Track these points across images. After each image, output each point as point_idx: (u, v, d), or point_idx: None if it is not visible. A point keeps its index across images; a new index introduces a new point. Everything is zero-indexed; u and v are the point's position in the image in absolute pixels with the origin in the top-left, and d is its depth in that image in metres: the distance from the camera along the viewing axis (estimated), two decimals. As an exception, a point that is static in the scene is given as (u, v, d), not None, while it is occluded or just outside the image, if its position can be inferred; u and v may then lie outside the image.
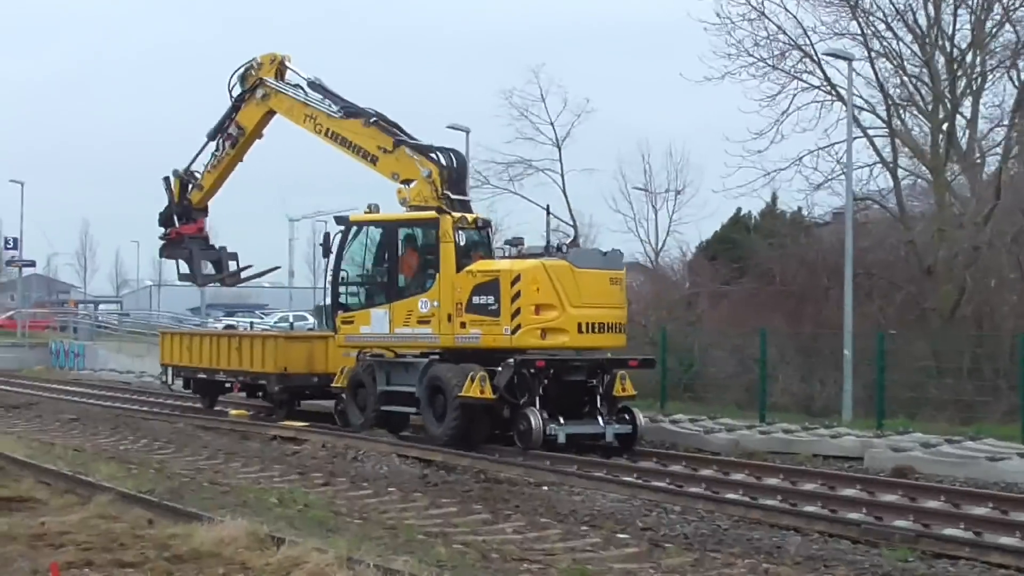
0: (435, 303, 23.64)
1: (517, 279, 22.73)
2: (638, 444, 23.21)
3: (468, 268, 23.37)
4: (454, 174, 24.95)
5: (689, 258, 49.18)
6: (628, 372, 23.77)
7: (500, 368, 22.63)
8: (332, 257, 25.24)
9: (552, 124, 51.59)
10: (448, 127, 41.30)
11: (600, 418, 23.08)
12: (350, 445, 22.71)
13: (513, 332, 22.74)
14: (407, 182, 24.93)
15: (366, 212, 25.50)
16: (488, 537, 13.97)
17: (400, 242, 24.75)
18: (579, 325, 23.04)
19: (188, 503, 15.18)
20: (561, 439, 22.29)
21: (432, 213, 23.98)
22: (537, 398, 22.51)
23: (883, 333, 27.82)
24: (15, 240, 74.00)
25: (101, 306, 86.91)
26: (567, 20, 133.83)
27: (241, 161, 29.41)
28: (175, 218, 29.64)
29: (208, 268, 30.33)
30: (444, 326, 23.50)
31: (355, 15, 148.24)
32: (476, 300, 23.04)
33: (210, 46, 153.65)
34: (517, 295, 22.70)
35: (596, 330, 23.24)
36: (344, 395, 25.70)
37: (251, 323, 57.97)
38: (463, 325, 23.22)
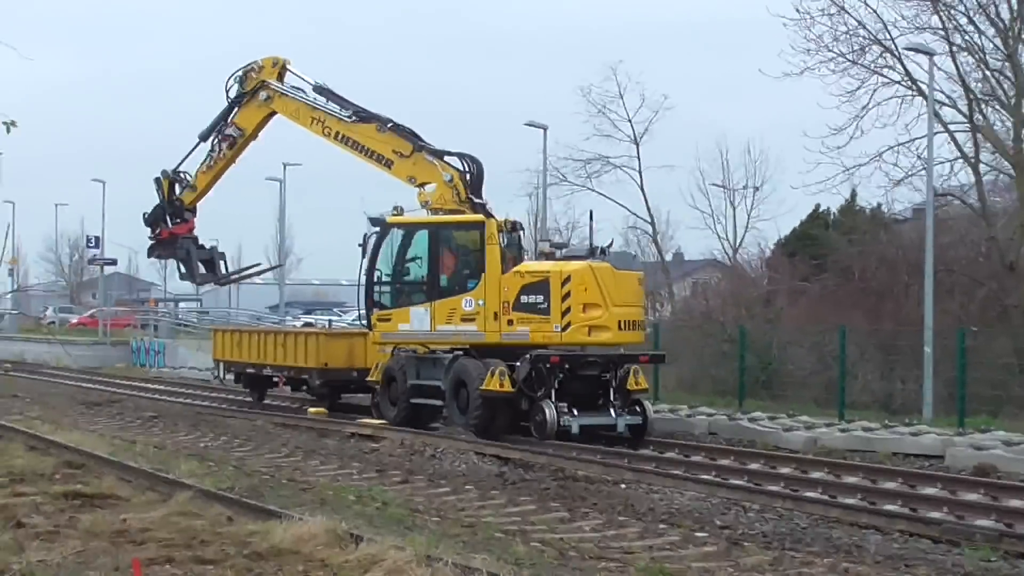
0: (480, 302, 24.90)
1: (568, 279, 24.14)
2: (648, 435, 24.35)
3: (516, 269, 24.75)
4: (474, 179, 26.17)
5: (767, 255, 48.92)
6: (643, 367, 25.36)
7: (519, 363, 24.01)
8: (367, 257, 26.35)
9: (630, 121, 51.80)
10: (526, 124, 41.53)
11: (612, 410, 24.36)
12: (428, 443, 22.81)
13: (564, 329, 24.16)
14: (424, 185, 26.20)
15: (394, 213, 26.46)
16: (566, 535, 13.96)
17: (443, 243, 25.88)
18: (619, 323, 24.45)
19: (267, 500, 15.29)
20: (575, 430, 23.64)
21: (480, 216, 25.31)
22: (553, 391, 23.96)
23: (964, 330, 27.48)
24: (97, 239, 74.68)
25: (181, 304, 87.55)
26: (645, 16, 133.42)
27: (235, 163, 29.80)
28: (168, 218, 29.95)
29: (200, 268, 30.89)
30: (490, 323, 24.79)
31: (431, 14, 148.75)
32: (525, 299, 24.42)
33: (288, 47, 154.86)
34: (567, 295, 24.10)
35: (630, 327, 24.75)
36: (378, 389, 27.12)
37: (330, 321, 58.24)
38: (510, 323, 24.57)
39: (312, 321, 51.74)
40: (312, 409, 29.36)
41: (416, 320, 25.81)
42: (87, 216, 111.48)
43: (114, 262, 77.55)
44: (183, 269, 30.74)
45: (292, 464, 20.51)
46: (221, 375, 35.05)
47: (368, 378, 27.74)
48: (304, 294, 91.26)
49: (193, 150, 29.61)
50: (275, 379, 32.36)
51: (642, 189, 52.74)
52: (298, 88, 28.49)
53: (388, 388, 26.77)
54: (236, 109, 28.99)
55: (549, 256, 25.44)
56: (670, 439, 24.63)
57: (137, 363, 53.52)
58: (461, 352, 25.35)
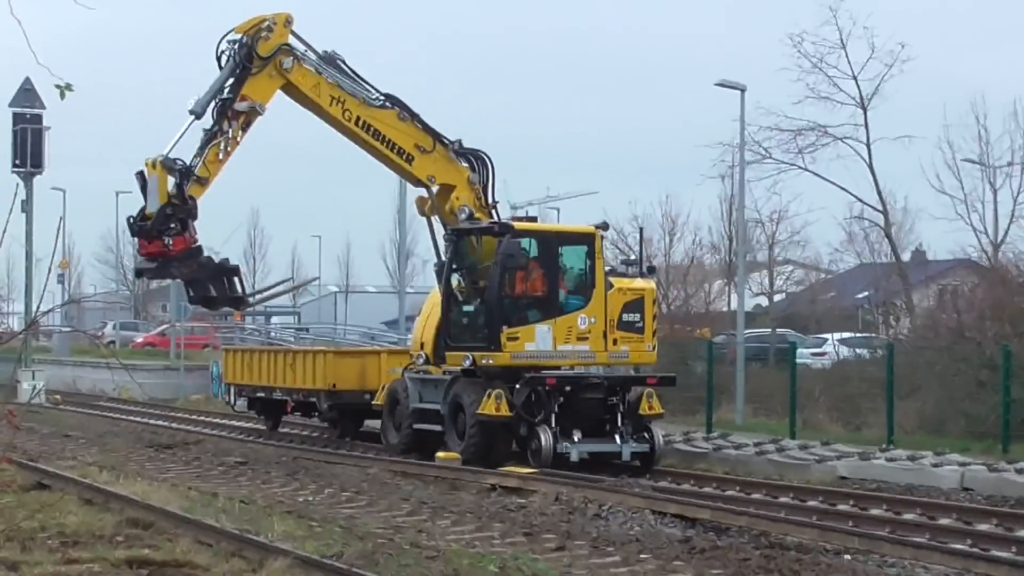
0: (592, 319, 29.64)
1: (656, 299, 30.84)
2: (657, 464, 28.95)
3: (617, 286, 29.94)
4: (485, 180, 30.72)
5: (1041, 253, 48.09)
6: (656, 390, 30.03)
7: (518, 386, 28.53)
8: (499, 267, 29.31)
9: (855, 78, 51.33)
10: (717, 84, 41.16)
11: (618, 436, 28.97)
12: (591, 498, 22.82)
13: (654, 348, 30.45)
14: (439, 186, 30.18)
15: (465, 221, 30.00)
16: (772, 621, 13.87)
17: (561, 256, 30.13)
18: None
19: (385, 571, 15.41)
20: (574, 457, 28.23)
21: (590, 228, 30.35)
22: (553, 416, 28.51)
23: None
24: (168, 235, 75.56)
25: (274, 318, 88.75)
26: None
27: None
28: (184, 223, 28.57)
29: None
30: (599, 343, 29.72)
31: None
32: (626, 318, 29.86)
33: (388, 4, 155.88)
34: (655, 315, 30.60)
35: None
36: (383, 413, 32.04)
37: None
38: (615, 342, 29.85)
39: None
40: (441, 454, 29.59)
41: (540, 339, 29.45)
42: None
43: (190, 265, 78.62)
44: (210, 291, 29.67)
45: (415, 524, 20.65)
46: (232, 401, 40.76)
47: (374, 401, 32.66)
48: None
49: (187, 130, 29.02)
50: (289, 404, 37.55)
51: (871, 168, 52.27)
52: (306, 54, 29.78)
53: (392, 412, 31.58)
54: (247, 79, 29.01)
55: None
56: (909, 496, 24.35)
57: (218, 394, 54.26)
58: (459, 373, 29.71)
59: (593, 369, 30.11)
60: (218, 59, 29.24)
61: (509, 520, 21.08)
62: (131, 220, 29.13)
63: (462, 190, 30.15)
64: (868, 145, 51.76)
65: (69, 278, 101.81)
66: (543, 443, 28.05)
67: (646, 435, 29.11)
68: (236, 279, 30.04)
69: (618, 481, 25.11)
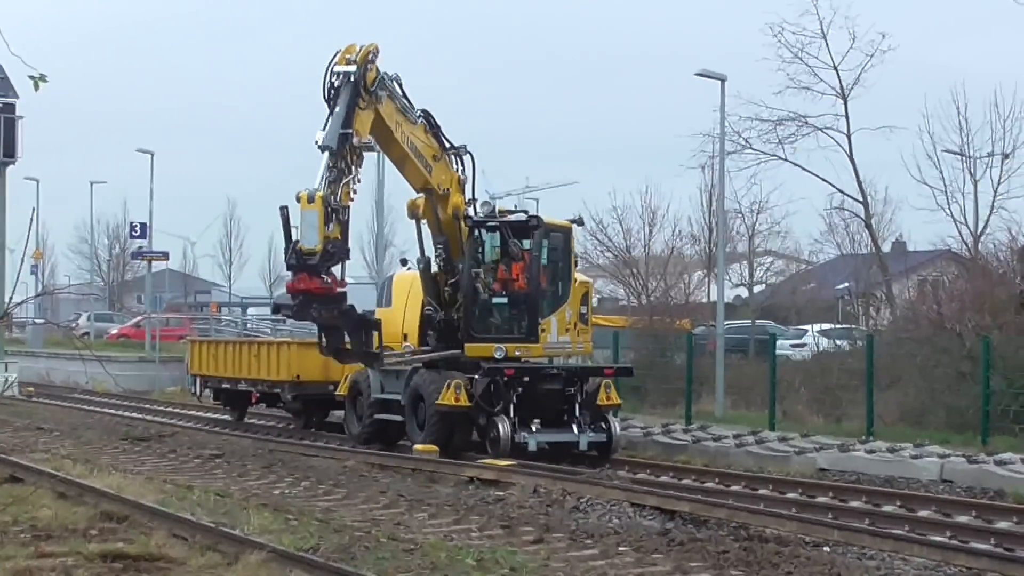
0: (570, 312, 31.13)
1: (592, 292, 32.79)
2: (614, 453, 29.99)
3: (579, 280, 31.67)
4: (473, 178, 31.29)
5: (1022, 244, 48.12)
6: (611, 381, 31.20)
7: (476, 377, 29.56)
8: (533, 259, 30.47)
9: (836, 68, 51.20)
10: (698, 75, 41.18)
11: (576, 426, 30.03)
12: (570, 490, 22.86)
13: (592, 340, 32.47)
14: (442, 191, 30.53)
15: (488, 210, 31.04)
16: (751, 614, 13.90)
17: (558, 249, 31.26)
18: None
19: (362, 564, 15.42)
20: (532, 447, 29.30)
21: (567, 222, 31.70)
22: (511, 406, 29.47)
23: None
24: (143, 226, 75.12)
25: (250, 310, 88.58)
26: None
27: None
28: (340, 265, 27.99)
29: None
30: (573, 335, 31.28)
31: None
32: (582, 310, 31.51)
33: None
34: (591, 307, 32.44)
35: None
36: (345, 404, 33.26)
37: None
38: (579, 333, 31.42)
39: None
40: (419, 446, 29.65)
41: (553, 330, 30.72)
42: (131, 197, 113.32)
43: (165, 256, 78.45)
44: (346, 339, 29.02)
45: (393, 517, 20.69)
46: (198, 392, 41.46)
47: (336, 392, 33.82)
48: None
49: (326, 165, 27.77)
50: (253, 395, 38.78)
51: (851, 158, 52.19)
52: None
53: (354, 403, 32.81)
54: (355, 113, 28.21)
55: None
56: (889, 487, 24.43)
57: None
58: (419, 365, 30.73)
59: (549, 360, 31.53)
60: (326, 96, 28.33)
61: (487, 513, 21.12)
62: (298, 258, 27.59)
63: (455, 192, 30.63)
64: (848, 135, 51.72)
65: (42, 269, 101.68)
66: (501, 433, 29.05)
67: (603, 425, 30.26)
68: (376, 333, 29.15)
69: (597, 474, 25.16)
